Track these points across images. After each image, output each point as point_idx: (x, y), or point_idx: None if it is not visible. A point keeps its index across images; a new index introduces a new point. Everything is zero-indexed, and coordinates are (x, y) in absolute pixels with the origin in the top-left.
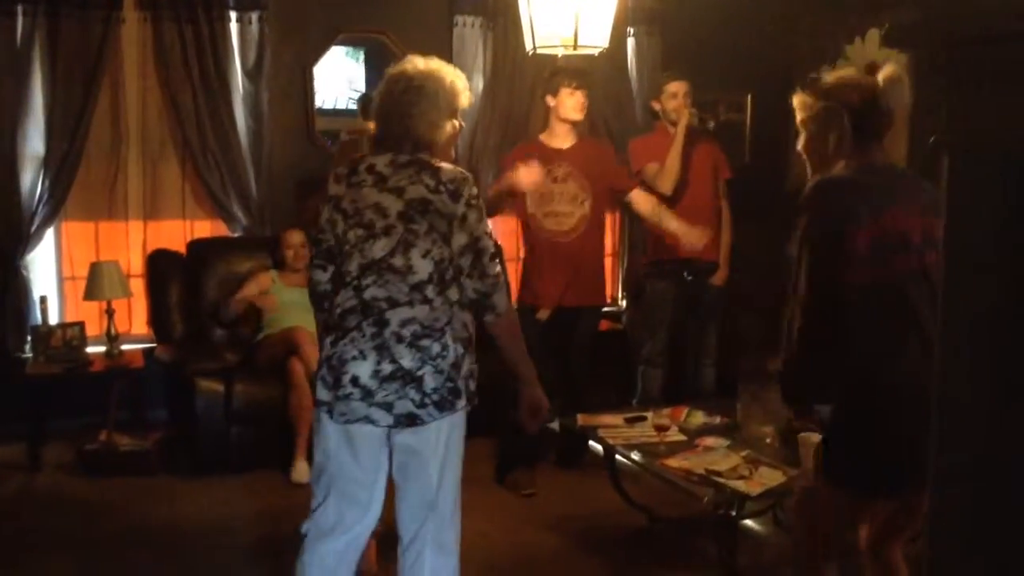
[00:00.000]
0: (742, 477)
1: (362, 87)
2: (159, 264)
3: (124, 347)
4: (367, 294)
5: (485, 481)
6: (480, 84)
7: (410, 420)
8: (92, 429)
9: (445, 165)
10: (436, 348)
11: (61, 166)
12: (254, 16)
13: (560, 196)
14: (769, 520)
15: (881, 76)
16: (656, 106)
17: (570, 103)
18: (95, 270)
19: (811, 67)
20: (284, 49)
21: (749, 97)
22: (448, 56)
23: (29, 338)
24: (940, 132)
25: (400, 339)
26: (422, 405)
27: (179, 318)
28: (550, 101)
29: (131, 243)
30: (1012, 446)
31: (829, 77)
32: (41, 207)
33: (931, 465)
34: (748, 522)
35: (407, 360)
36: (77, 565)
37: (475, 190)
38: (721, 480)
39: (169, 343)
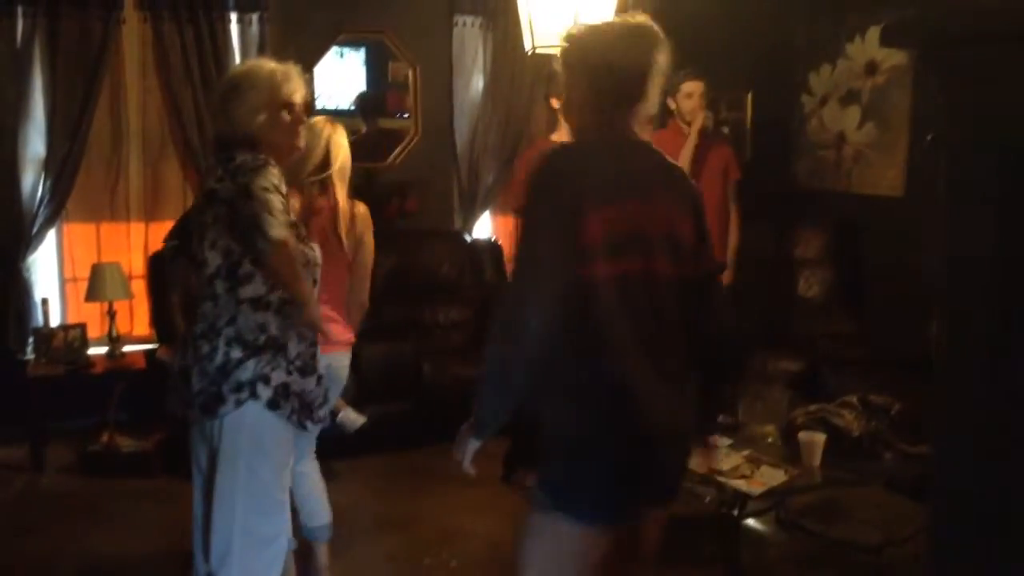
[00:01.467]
0: (744, 476)
1: (363, 87)
2: (160, 265)
3: (126, 348)
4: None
5: (491, 480)
6: (480, 83)
7: (188, 416)
8: (94, 430)
9: (244, 156)
10: (206, 348)
11: (62, 168)
12: (255, 17)
13: None
14: (771, 519)
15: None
16: (671, 104)
17: None
18: (96, 271)
19: (811, 65)
20: (285, 50)
21: (749, 95)
22: (448, 56)
23: (31, 339)
24: (938, 129)
25: (193, 334)
26: (189, 405)
27: (181, 319)
28: (555, 103)
29: (132, 244)
30: (1016, 445)
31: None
32: (42, 209)
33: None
34: (750, 521)
35: (187, 357)
36: (79, 566)
37: (266, 181)
38: (723, 479)
39: (171, 344)
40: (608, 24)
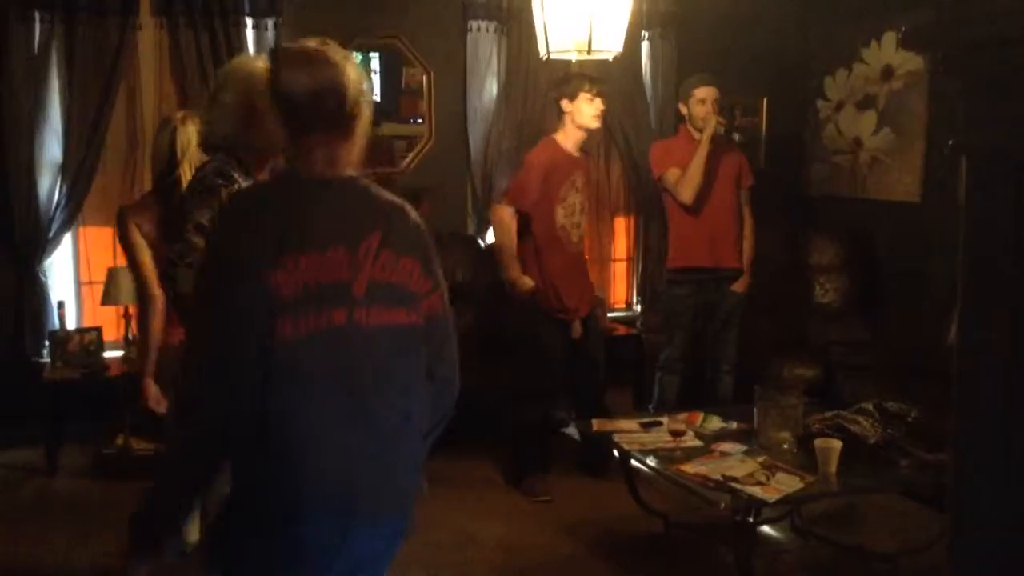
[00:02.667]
0: (759, 483)
1: (376, 93)
2: None
3: None
4: None
5: (502, 485)
6: (494, 89)
7: None
8: (108, 434)
9: (216, 162)
10: None
11: (78, 172)
12: (270, 23)
13: (579, 206)
14: (786, 526)
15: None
16: (683, 110)
17: (589, 110)
18: (112, 275)
19: (826, 71)
20: None
21: (764, 101)
22: (462, 61)
23: (47, 343)
24: (958, 136)
25: None
26: None
27: None
28: (566, 106)
29: None
30: None
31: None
32: (59, 213)
33: (953, 481)
34: (765, 528)
35: None
36: (92, 568)
37: (204, 216)
38: (738, 486)
39: None
40: (289, 50)
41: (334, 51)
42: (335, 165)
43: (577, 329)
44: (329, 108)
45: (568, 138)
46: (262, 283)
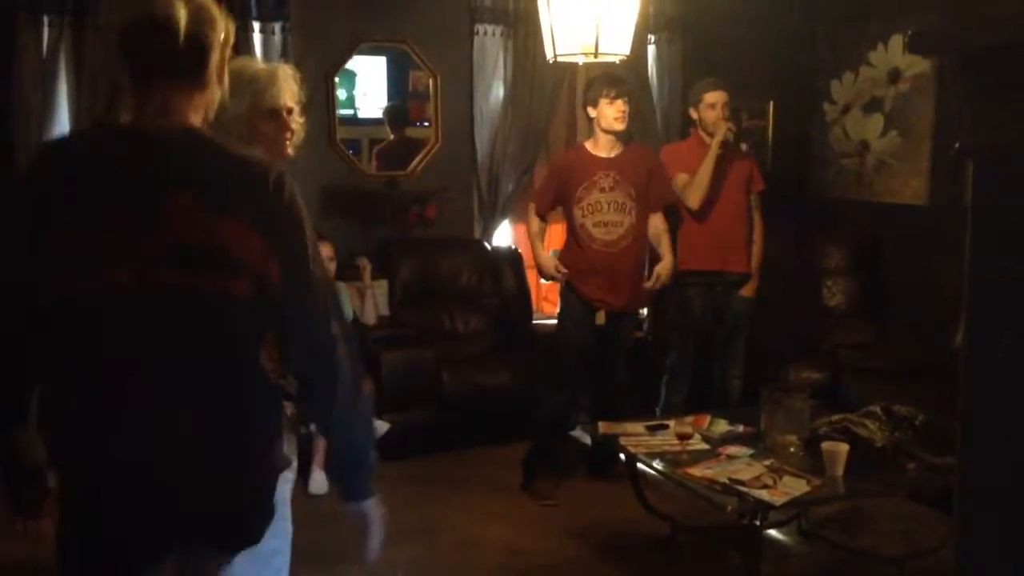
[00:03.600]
0: (766, 486)
1: (383, 96)
2: None
3: None
4: None
5: (511, 489)
6: (500, 92)
7: None
8: None
9: None
10: None
11: None
12: (277, 26)
13: (609, 206)
14: (793, 530)
15: None
16: (693, 114)
17: (611, 113)
18: None
19: (833, 74)
20: (306, 59)
21: (771, 104)
22: (469, 65)
23: None
24: (964, 139)
25: None
26: None
27: None
28: (591, 112)
29: None
30: None
31: None
32: None
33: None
34: (772, 532)
35: None
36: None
37: None
38: (744, 489)
39: None
40: None
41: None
42: (168, 113)
43: (600, 317)
44: (155, 45)
45: (597, 143)
46: (34, 236)
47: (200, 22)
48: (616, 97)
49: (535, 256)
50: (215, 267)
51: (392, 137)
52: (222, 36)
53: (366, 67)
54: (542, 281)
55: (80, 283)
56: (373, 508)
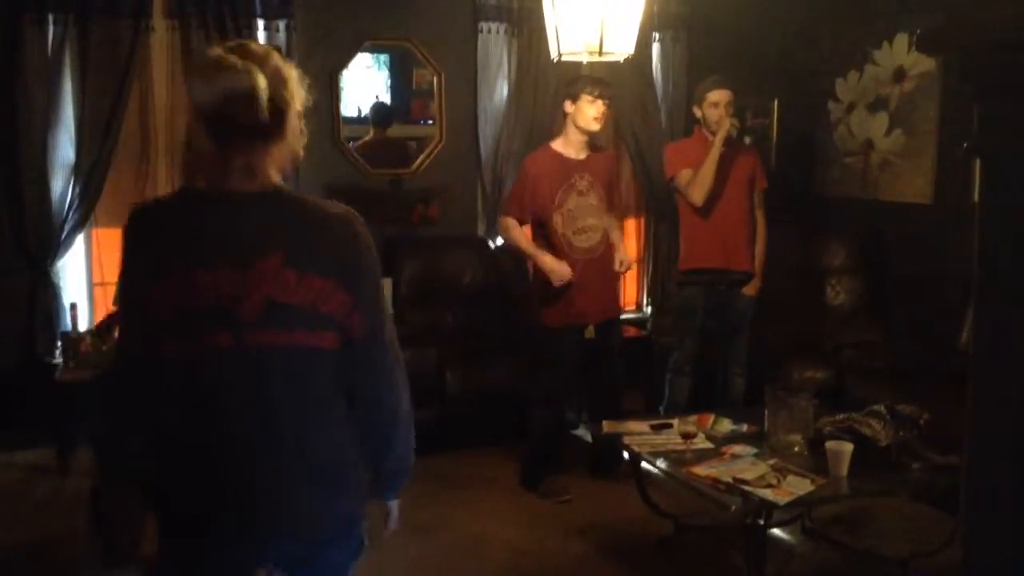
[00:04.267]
0: (770, 486)
1: (386, 95)
2: None
3: None
4: None
5: (514, 487)
6: (504, 91)
7: None
8: None
9: None
10: None
11: (91, 173)
12: (281, 24)
13: (586, 210)
14: (797, 529)
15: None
16: (697, 112)
17: (590, 112)
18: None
19: (838, 72)
20: (311, 57)
21: (775, 102)
22: (473, 63)
23: (59, 344)
24: (972, 138)
25: None
26: None
27: None
28: (568, 107)
29: None
30: None
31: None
32: (71, 214)
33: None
34: (776, 531)
35: None
36: (103, 569)
37: None
38: (749, 488)
39: None
40: (198, 58)
41: (245, 53)
42: (254, 175)
43: (590, 331)
44: (240, 115)
45: (569, 142)
46: (142, 303)
47: (277, 86)
48: (599, 97)
49: (538, 261)
50: (306, 325)
51: (371, 135)
52: (296, 92)
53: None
54: (556, 283)
55: (185, 346)
56: (395, 507)
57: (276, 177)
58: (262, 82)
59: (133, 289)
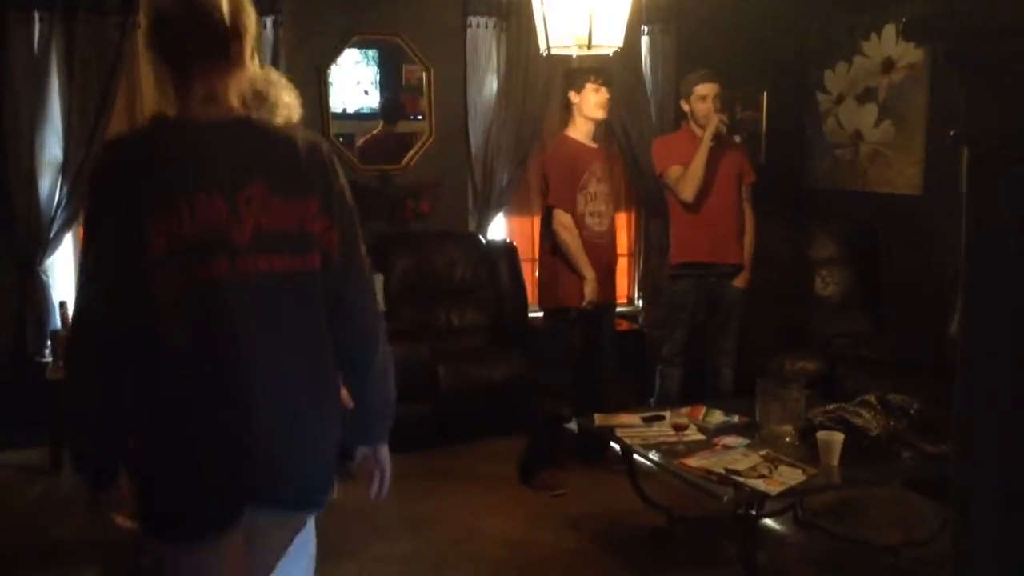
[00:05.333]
0: (761, 476)
1: (375, 90)
2: None
3: None
4: None
5: (508, 482)
6: (494, 84)
7: None
8: None
9: None
10: None
11: (79, 171)
12: (269, 20)
13: (601, 196)
14: (789, 519)
15: None
16: (684, 107)
17: (595, 100)
18: None
19: (826, 64)
20: (299, 52)
21: (765, 95)
22: (462, 57)
23: (49, 343)
24: (959, 126)
25: None
26: None
27: None
28: (573, 98)
29: None
30: None
31: None
32: (60, 212)
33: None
34: (768, 521)
35: None
36: (98, 567)
37: None
38: (740, 479)
39: None
40: None
41: None
42: (215, 102)
43: (591, 305)
44: (202, 27)
45: (579, 130)
46: (127, 241)
47: (236, 9)
48: (602, 84)
49: (584, 272)
50: (294, 248)
51: (380, 129)
52: (251, 23)
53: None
54: (586, 297)
55: (181, 280)
56: (385, 454)
57: (238, 105)
58: None
59: (115, 227)
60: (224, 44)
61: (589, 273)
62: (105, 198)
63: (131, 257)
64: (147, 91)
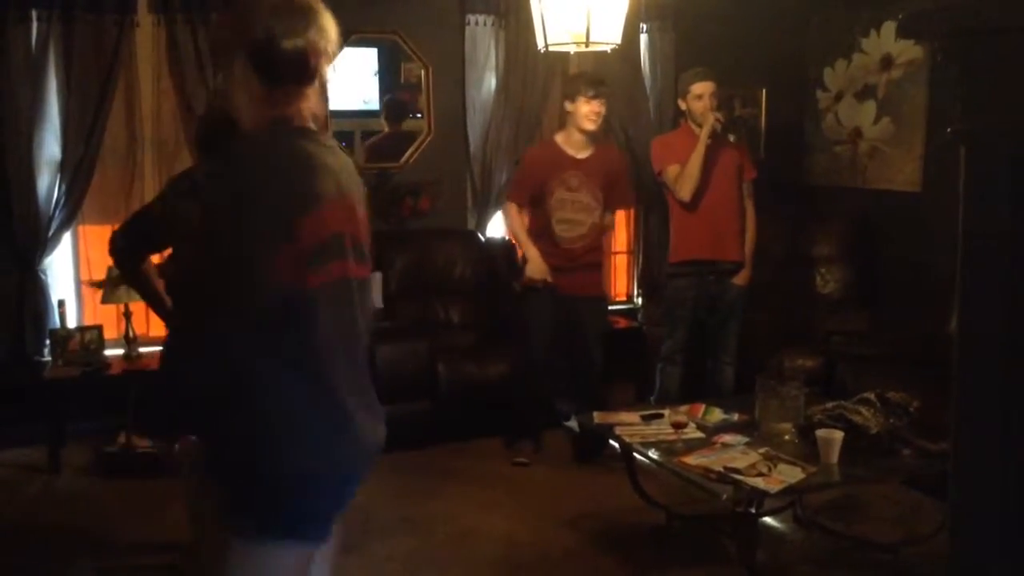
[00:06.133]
0: (761, 474)
1: (374, 89)
2: None
3: (142, 350)
4: None
5: (506, 480)
6: (493, 82)
7: None
8: (111, 431)
9: None
10: None
11: (77, 170)
12: None
13: (573, 205)
14: (788, 517)
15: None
16: (682, 105)
17: (585, 111)
18: (112, 273)
19: (825, 61)
20: None
21: (764, 92)
22: (460, 55)
23: (48, 342)
24: (956, 123)
25: None
26: None
27: None
28: (568, 106)
29: None
30: None
31: None
32: (58, 211)
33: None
34: (767, 519)
35: None
36: (96, 566)
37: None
38: (740, 477)
39: None
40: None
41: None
42: (303, 119)
43: (541, 282)
44: (312, 64)
45: (568, 138)
46: (288, 234)
47: (336, 46)
48: (594, 97)
49: (527, 254)
50: (366, 257)
51: (386, 130)
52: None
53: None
54: (516, 285)
55: (326, 274)
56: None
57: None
58: (335, 38)
59: (279, 218)
60: (318, 80)
61: (531, 252)
62: (276, 187)
63: (287, 248)
64: (145, 89)
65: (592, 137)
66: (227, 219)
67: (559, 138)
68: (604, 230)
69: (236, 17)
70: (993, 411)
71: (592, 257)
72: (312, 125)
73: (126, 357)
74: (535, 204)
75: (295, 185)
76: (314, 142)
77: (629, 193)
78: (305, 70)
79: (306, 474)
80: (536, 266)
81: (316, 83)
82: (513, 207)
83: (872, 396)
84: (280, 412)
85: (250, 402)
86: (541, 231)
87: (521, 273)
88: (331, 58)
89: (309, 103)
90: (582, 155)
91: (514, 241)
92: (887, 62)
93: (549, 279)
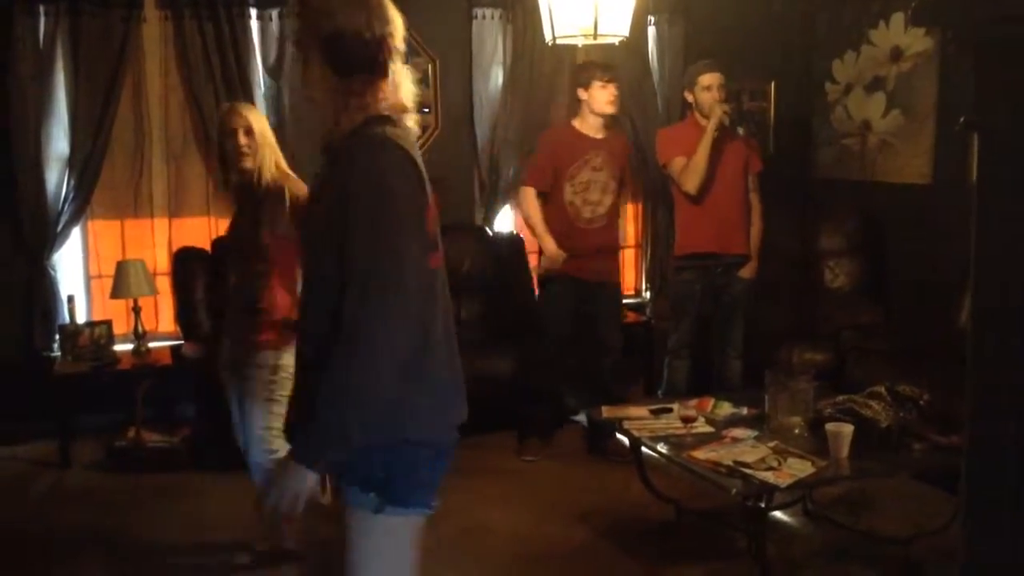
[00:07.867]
0: (771, 468)
1: None
2: (185, 261)
3: (151, 345)
4: None
5: (515, 475)
6: (500, 76)
7: None
8: (120, 426)
9: None
10: None
11: (85, 165)
12: (274, 13)
13: (595, 185)
14: (799, 511)
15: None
16: (689, 97)
17: (603, 97)
18: (121, 268)
19: (834, 53)
20: None
21: (772, 85)
22: (467, 49)
23: (57, 337)
24: (970, 112)
25: None
26: None
27: (205, 315)
28: (582, 95)
29: (156, 241)
30: None
31: None
32: (67, 206)
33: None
34: (777, 513)
35: None
36: (106, 561)
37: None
38: (749, 472)
39: (196, 340)
40: None
41: None
42: (387, 107)
43: (558, 264)
44: (381, 53)
45: (586, 123)
46: (423, 220)
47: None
48: (609, 81)
49: (542, 243)
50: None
51: None
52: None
53: None
54: (537, 270)
55: (436, 259)
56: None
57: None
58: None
59: (415, 204)
60: (384, 70)
61: (547, 241)
62: (411, 178)
63: (420, 232)
64: (152, 84)
65: (607, 122)
66: (374, 210)
67: (576, 123)
68: (619, 212)
69: (306, 12)
70: (1006, 405)
71: (610, 241)
72: (391, 114)
73: (135, 352)
74: (552, 189)
75: (416, 180)
76: (402, 129)
77: (629, 183)
78: (376, 60)
79: (430, 443)
80: (553, 255)
81: (388, 72)
82: (531, 192)
83: (882, 390)
84: (421, 386)
85: (414, 378)
86: (554, 218)
87: (537, 264)
88: (400, 46)
89: (384, 92)
90: (600, 136)
91: (527, 229)
92: (896, 54)
93: (566, 267)
